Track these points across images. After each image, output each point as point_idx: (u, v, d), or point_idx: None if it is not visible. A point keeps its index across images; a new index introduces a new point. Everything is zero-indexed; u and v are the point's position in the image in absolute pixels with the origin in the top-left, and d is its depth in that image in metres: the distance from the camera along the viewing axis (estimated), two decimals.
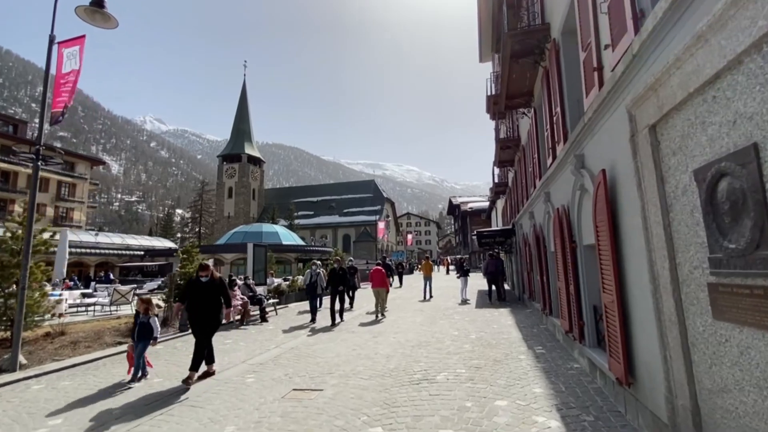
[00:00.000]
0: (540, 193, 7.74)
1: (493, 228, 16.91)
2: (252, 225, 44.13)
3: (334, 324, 9.35)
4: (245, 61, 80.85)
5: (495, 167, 17.79)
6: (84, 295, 13.43)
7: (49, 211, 39.41)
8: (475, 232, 14.72)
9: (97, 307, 12.35)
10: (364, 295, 15.09)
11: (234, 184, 74.06)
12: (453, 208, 63.74)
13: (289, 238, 40.04)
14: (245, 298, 10.33)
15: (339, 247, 58.30)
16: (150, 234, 59.84)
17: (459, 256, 15.55)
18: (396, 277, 22.46)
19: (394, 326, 9.22)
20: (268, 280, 20.70)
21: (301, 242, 42.37)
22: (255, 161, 77.11)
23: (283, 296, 13.99)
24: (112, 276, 22.03)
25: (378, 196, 74.27)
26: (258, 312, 10.58)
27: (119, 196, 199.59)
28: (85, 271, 32.61)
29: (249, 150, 75.76)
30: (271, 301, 11.48)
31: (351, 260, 14.03)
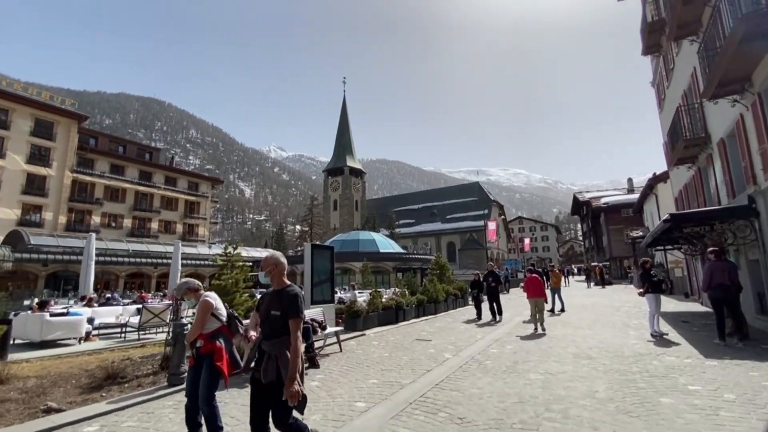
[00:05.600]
0: None
1: (701, 209, 10.15)
2: (349, 233, 42.31)
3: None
4: (344, 78, 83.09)
5: (681, 117, 11.06)
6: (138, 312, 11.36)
7: (179, 228, 43.63)
8: (667, 216, 8.49)
9: (130, 329, 9.95)
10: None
11: (338, 197, 75.46)
12: (579, 207, 52.76)
13: (387, 245, 36.76)
14: None
15: (443, 255, 53.31)
16: (264, 246, 63.80)
17: (644, 260, 9.26)
18: (486, 303, 12.19)
19: (551, 407, 4.14)
20: (346, 294, 16.69)
21: (400, 250, 38.76)
22: (356, 173, 77.63)
23: (359, 318, 9.89)
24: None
25: (483, 199, 67.12)
26: (306, 351, 6.57)
27: (251, 216, 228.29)
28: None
29: (350, 162, 76.61)
30: (330, 330, 7.28)
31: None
